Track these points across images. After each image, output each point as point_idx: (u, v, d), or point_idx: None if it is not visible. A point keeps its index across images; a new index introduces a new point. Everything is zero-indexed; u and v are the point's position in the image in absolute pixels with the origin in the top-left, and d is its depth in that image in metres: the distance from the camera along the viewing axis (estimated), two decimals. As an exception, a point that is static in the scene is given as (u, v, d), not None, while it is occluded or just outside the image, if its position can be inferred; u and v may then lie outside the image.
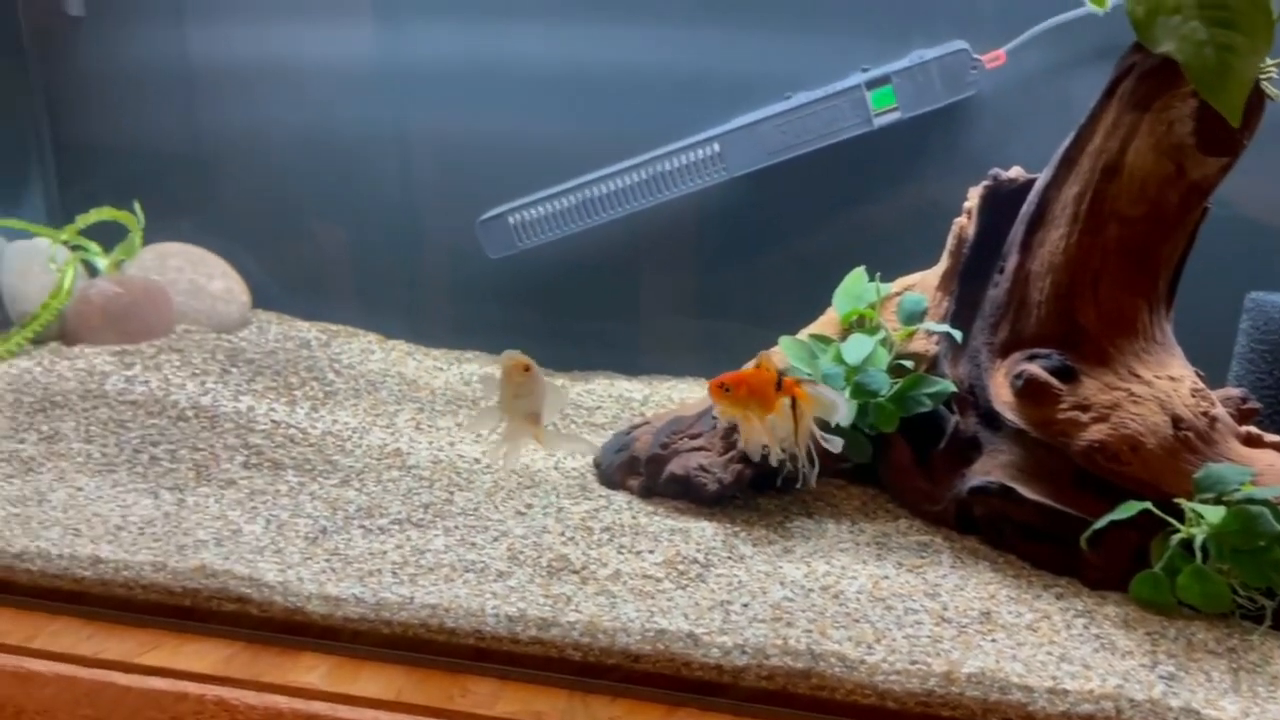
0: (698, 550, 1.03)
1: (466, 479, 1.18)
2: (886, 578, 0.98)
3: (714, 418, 1.11)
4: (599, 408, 1.37)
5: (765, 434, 1.02)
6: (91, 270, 1.43)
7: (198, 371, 1.32)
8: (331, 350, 1.43)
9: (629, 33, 1.35)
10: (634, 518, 1.09)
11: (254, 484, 1.15)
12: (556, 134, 1.37)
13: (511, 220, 1.35)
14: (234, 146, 1.45)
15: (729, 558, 1.02)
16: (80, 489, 1.13)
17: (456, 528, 1.08)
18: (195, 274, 1.42)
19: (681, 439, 1.12)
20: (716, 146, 1.29)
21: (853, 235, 1.37)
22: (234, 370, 1.34)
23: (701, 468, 1.09)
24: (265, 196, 1.48)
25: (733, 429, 1.10)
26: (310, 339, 1.45)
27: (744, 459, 1.08)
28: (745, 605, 0.94)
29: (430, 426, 1.29)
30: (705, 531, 1.06)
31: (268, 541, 1.05)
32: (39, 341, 1.35)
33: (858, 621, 0.92)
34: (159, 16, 1.40)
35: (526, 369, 1.03)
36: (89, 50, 1.42)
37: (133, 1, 1.40)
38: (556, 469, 1.21)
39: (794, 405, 0.99)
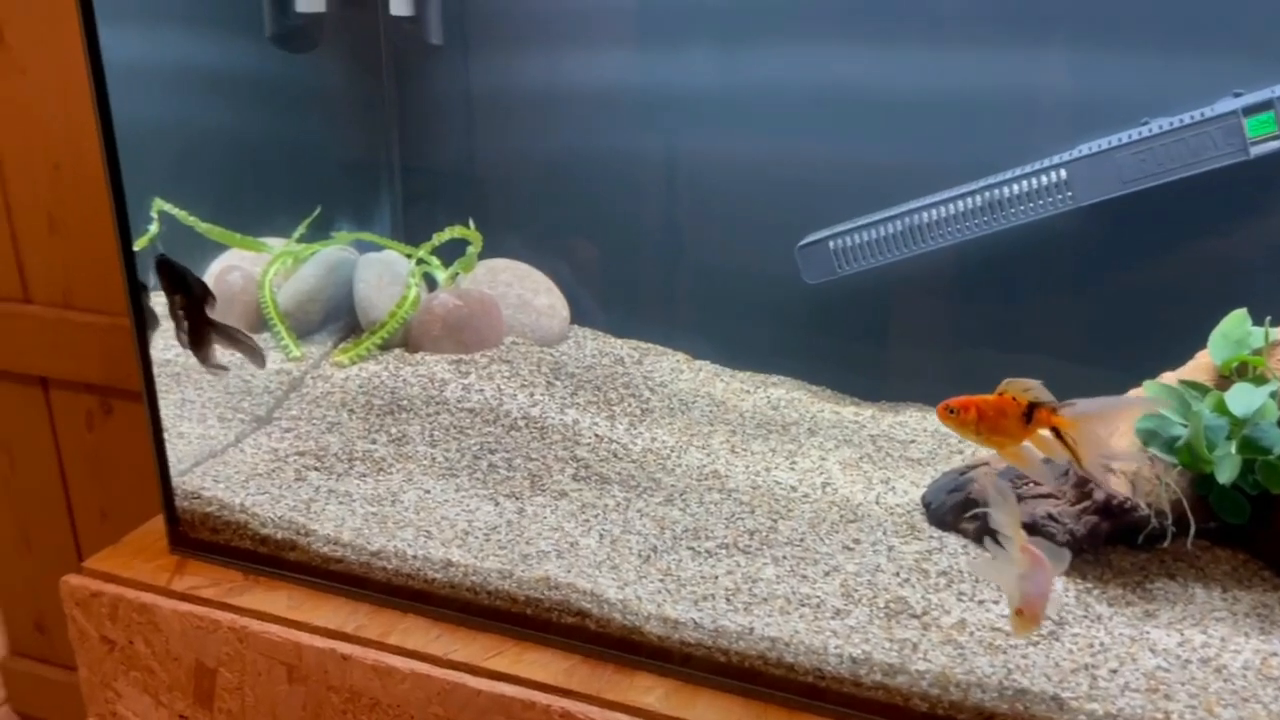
0: (1048, 605, 0.97)
1: (786, 507, 1.17)
2: (1275, 654, 0.89)
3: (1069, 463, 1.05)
4: (913, 441, 1.32)
5: (1023, 461, 0.91)
6: (430, 283, 1.53)
7: (525, 383, 1.38)
8: (644, 368, 1.46)
9: (965, 56, 1.30)
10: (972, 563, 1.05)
11: (584, 497, 1.19)
12: (885, 159, 1.34)
13: (832, 245, 1.33)
14: (560, 168, 1.51)
15: (1084, 616, 0.96)
16: (428, 491, 1.20)
17: (785, 558, 1.07)
18: (522, 289, 1.48)
19: (1027, 484, 1.06)
20: (1063, 173, 1.22)
21: (1204, 272, 1.26)
22: (558, 383, 1.39)
23: (1050, 516, 1.03)
24: (584, 216, 1.53)
25: (1084, 480, 1.03)
26: (624, 355, 1.49)
27: (1100, 510, 1.01)
28: (1113, 671, 0.88)
29: (744, 450, 1.29)
30: (1054, 585, 1.00)
31: (604, 556, 1.08)
32: (385, 348, 1.45)
33: (1247, 700, 0.84)
34: (507, 44, 1.48)
35: None
36: (440, 77, 1.52)
37: (485, 31, 1.49)
38: (879, 504, 1.18)
39: (1059, 434, 0.86)
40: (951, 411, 0.89)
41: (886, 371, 1.42)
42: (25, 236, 1.80)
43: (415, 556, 1.09)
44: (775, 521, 1.14)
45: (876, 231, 1.31)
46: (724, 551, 1.09)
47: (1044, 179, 1.23)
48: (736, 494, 1.20)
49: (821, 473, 1.24)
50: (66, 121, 1.61)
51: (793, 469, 1.25)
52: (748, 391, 1.43)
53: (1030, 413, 0.84)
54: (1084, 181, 1.21)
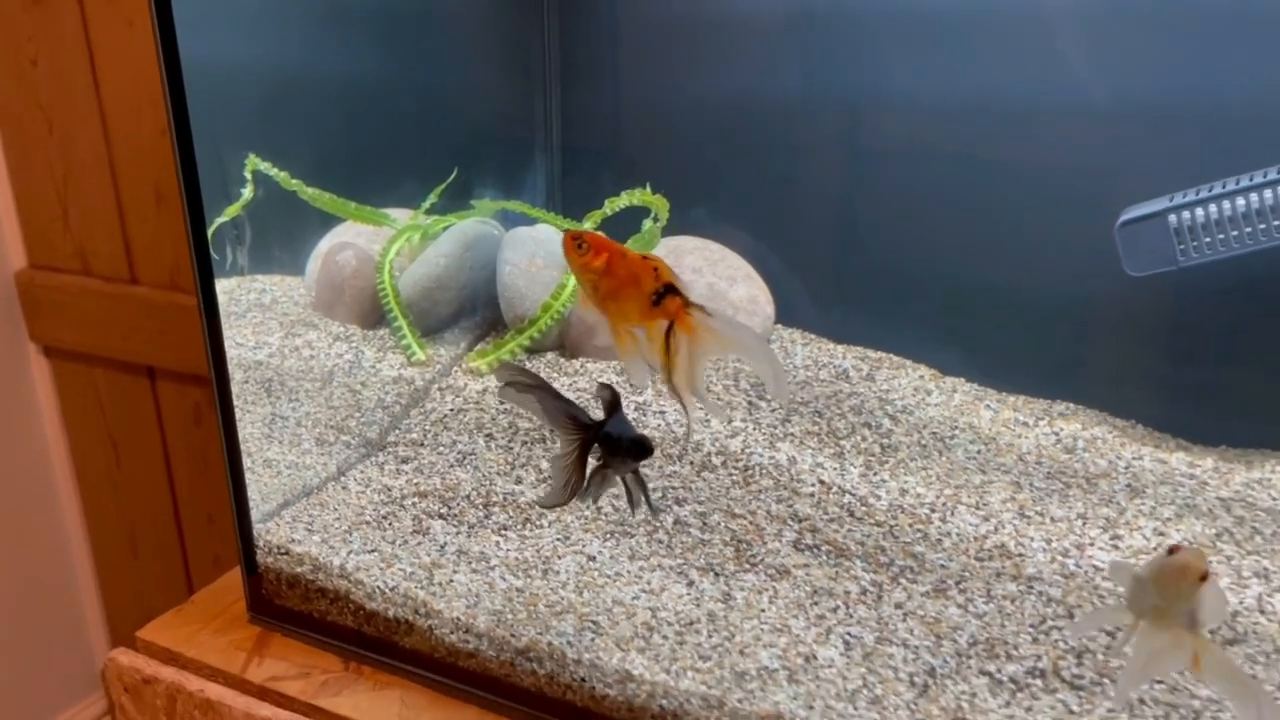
0: None
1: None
2: None
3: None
4: (1280, 506, 0.91)
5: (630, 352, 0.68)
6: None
7: (720, 404, 1.03)
8: (878, 386, 1.09)
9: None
10: None
11: (812, 577, 0.83)
12: (1269, 90, 0.93)
13: (1174, 222, 0.93)
14: (767, 117, 1.15)
15: None
16: (592, 558, 0.86)
17: (1144, 702, 0.69)
18: (714, 276, 1.13)
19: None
20: None
21: None
22: (762, 405, 1.03)
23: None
24: (795, 180, 1.17)
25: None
26: (848, 368, 1.11)
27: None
28: None
29: (1038, 514, 0.90)
30: None
31: (857, 681, 0.72)
32: (534, 351, 1.12)
33: None
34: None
35: (1203, 578, 0.60)
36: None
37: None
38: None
39: (669, 333, 0.65)
40: (580, 246, 0.67)
41: (1235, 405, 1.01)
42: (132, 209, 1.62)
43: (578, 661, 0.76)
44: (1114, 636, 0.75)
45: (1246, 202, 0.90)
46: (1038, 683, 0.71)
47: None
48: (1040, 584, 0.81)
49: (1161, 554, 0.85)
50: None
51: (1117, 548, 0.86)
52: (1026, 425, 1.04)
53: (662, 296, 0.66)
54: None
